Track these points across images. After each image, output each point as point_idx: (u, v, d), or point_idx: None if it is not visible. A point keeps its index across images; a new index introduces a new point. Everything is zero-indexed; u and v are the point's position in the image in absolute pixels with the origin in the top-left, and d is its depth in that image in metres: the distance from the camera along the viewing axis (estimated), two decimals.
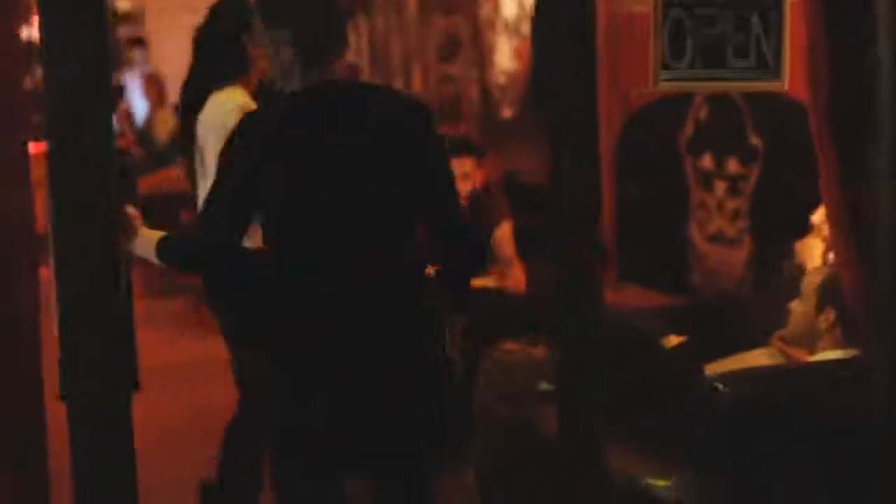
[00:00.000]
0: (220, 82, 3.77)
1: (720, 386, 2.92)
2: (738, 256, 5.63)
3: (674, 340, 4.08)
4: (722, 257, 5.73)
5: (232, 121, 2.92)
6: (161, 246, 2.70)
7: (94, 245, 2.24)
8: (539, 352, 4.28)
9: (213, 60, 3.83)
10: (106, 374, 2.29)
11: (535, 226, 5.64)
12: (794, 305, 3.51)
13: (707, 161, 5.81)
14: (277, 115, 2.74)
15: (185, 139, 3.90)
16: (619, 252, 6.35)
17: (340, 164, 2.65)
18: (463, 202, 5.01)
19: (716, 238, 5.77)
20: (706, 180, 5.83)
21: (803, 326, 3.42)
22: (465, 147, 5.17)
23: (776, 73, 2.68)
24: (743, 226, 5.59)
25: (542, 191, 5.93)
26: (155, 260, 2.70)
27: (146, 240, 2.67)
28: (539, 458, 3.92)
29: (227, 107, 3.65)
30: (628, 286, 6.18)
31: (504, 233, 5.13)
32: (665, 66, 2.64)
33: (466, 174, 5.06)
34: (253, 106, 3.65)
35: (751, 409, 2.92)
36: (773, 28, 2.66)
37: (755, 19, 2.66)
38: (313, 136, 2.66)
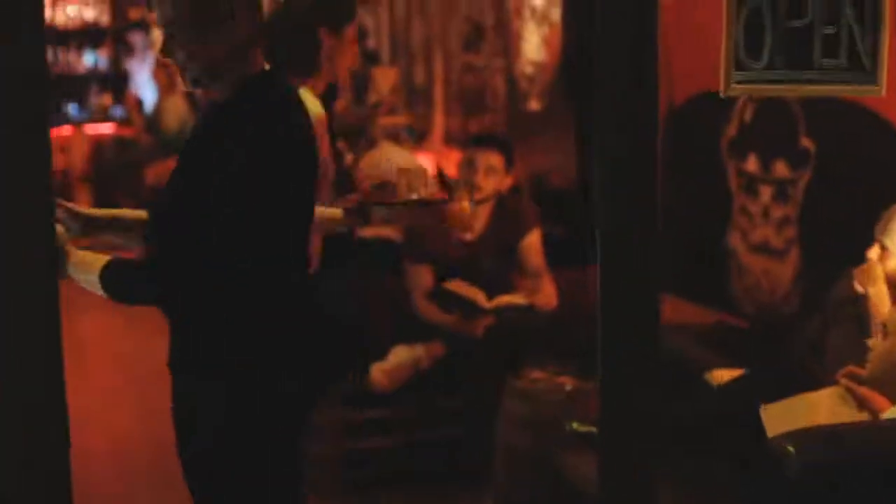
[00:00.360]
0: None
1: (791, 449, 2.46)
2: (785, 270, 5.16)
3: (723, 375, 3.62)
4: (766, 269, 5.26)
5: None
6: (108, 274, 2.28)
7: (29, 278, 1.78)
8: (567, 381, 3.82)
9: (281, 55, 3.47)
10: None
11: (568, 235, 5.17)
12: (875, 343, 3.03)
13: (751, 164, 5.34)
14: (286, 116, 2.46)
15: None
16: None
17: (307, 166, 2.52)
18: (488, 204, 4.59)
19: (760, 248, 5.30)
20: (750, 185, 5.37)
21: (885, 367, 2.95)
22: (492, 141, 4.66)
23: (872, 75, 2.20)
24: (791, 236, 5.11)
25: (575, 195, 5.45)
26: (98, 290, 2.28)
27: (84, 266, 2.27)
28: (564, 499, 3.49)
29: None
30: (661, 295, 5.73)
31: (533, 242, 4.64)
32: (739, 66, 2.16)
33: (493, 168, 4.57)
34: (322, 111, 3.39)
35: (825, 477, 2.45)
36: (868, 20, 2.18)
37: (847, 9, 2.18)
38: (300, 136, 2.48)
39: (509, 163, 4.64)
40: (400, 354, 4.34)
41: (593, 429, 3.27)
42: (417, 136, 8.05)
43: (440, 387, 4.39)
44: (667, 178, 6.00)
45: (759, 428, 3.04)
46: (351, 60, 3.67)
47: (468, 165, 4.60)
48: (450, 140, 7.98)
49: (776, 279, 5.21)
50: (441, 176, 4.46)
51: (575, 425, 3.39)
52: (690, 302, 5.69)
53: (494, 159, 4.57)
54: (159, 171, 8.60)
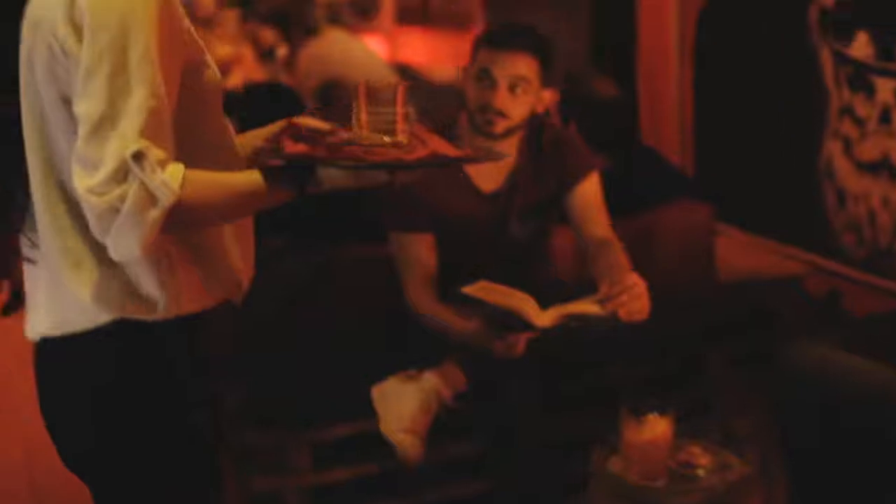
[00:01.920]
0: None
1: None
2: None
3: None
4: (886, 196, 3.77)
5: None
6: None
7: None
8: (697, 453, 2.24)
9: None
10: None
11: (616, 168, 3.52)
12: None
13: (860, 46, 3.77)
14: None
15: None
16: (709, 182, 4.31)
17: None
18: (516, 135, 2.81)
19: (875, 166, 3.79)
20: (858, 76, 3.81)
21: None
22: (518, 35, 2.81)
23: None
24: None
25: (613, 103, 3.76)
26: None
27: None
28: None
29: None
30: (734, 231, 4.21)
31: (591, 189, 2.91)
32: None
33: (523, 80, 2.80)
34: None
35: None
36: None
37: None
38: None
39: (547, 69, 2.88)
40: (408, 396, 2.62)
41: None
42: (359, 9, 6.18)
43: (452, 431, 2.77)
44: (728, 67, 4.41)
45: None
46: None
47: (479, 79, 2.83)
48: (406, 17, 6.22)
49: None
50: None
51: None
52: (771, 241, 4.17)
53: (524, 65, 2.79)
54: None
